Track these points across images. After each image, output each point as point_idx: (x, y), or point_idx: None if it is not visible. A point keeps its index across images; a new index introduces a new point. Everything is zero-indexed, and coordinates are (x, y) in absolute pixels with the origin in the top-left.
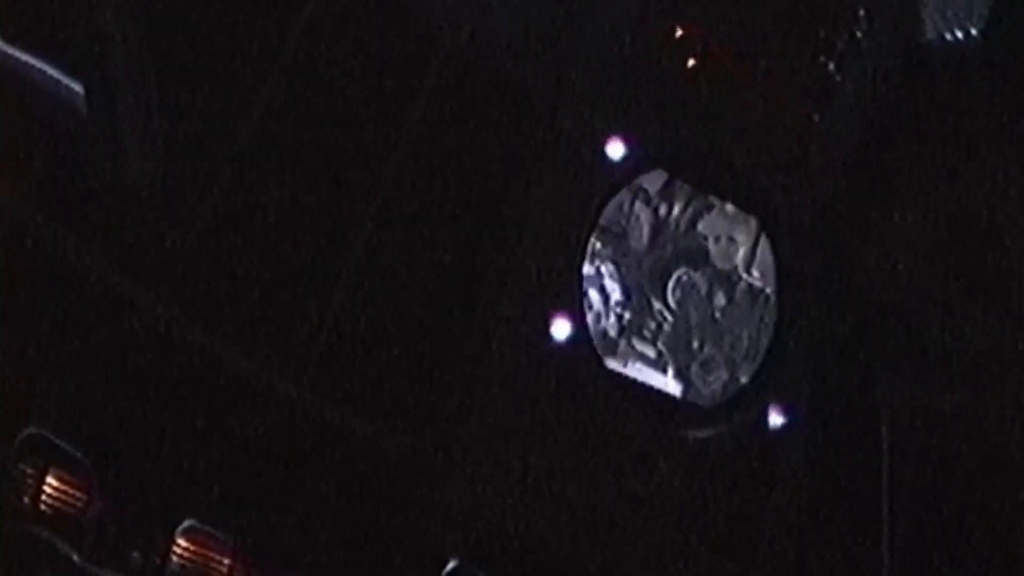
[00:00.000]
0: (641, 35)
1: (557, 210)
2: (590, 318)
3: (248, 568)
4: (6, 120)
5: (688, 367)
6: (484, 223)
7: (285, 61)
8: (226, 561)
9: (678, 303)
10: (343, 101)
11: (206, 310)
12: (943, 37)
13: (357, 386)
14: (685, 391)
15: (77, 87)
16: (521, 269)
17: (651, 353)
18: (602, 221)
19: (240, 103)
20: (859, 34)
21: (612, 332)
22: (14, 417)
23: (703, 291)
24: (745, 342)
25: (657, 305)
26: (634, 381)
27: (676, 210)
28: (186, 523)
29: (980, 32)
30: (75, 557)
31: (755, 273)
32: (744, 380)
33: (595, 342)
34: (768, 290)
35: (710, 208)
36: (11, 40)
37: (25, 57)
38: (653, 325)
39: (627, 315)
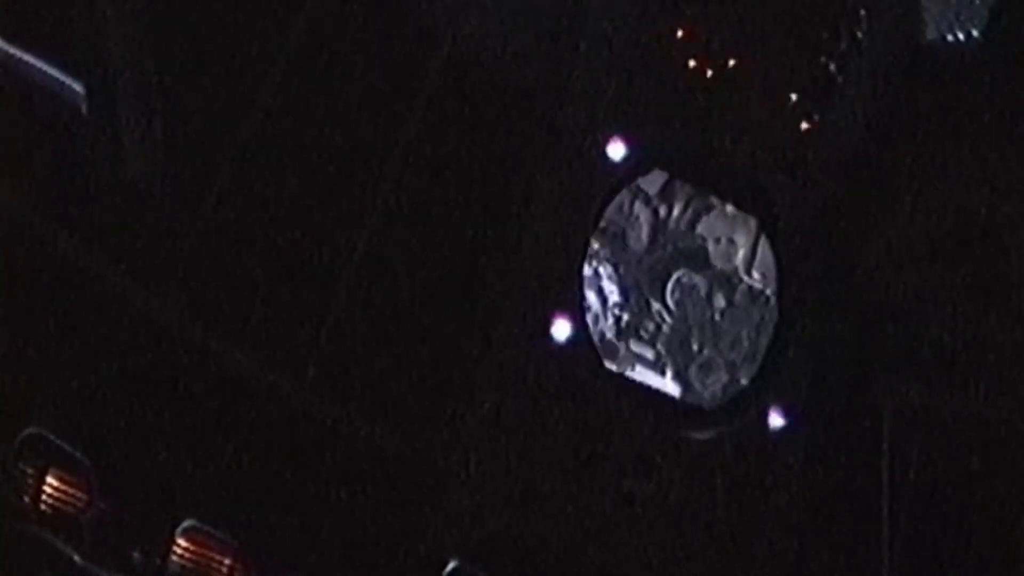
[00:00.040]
0: (641, 36)
1: (558, 211)
2: (589, 319)
3: (248, 568)
4: (6, 120)
5: (687, 368)
6: (484, 224)
7: (285, 61)
8: (226, 561)
9: (677, 304)
10: (343, 101)
11: (206, 310)
12: (944, 38)
13: (357, 386)
14: (684, 392)
15: (77, 87)
16: (521, 270)
17: (649, 354)
18: (601, 222)
19: (240, 103)
20: (860, 35)
21: (610, 334)
22: (14, 417)
23: (703, 292)
24: (745, 343)
25: (656, 306)
26: (634, 382)
27: (676, 211)
28: (186, 523)
29: (981, 33)
30: (75, 557)
31: (755, 274)
32: (744, 382)
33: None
34: (768, 291)
35: (710, 209)
36: (11, 40)
37: (25, 57)
38: (652, 326)
39: (625, 316)
